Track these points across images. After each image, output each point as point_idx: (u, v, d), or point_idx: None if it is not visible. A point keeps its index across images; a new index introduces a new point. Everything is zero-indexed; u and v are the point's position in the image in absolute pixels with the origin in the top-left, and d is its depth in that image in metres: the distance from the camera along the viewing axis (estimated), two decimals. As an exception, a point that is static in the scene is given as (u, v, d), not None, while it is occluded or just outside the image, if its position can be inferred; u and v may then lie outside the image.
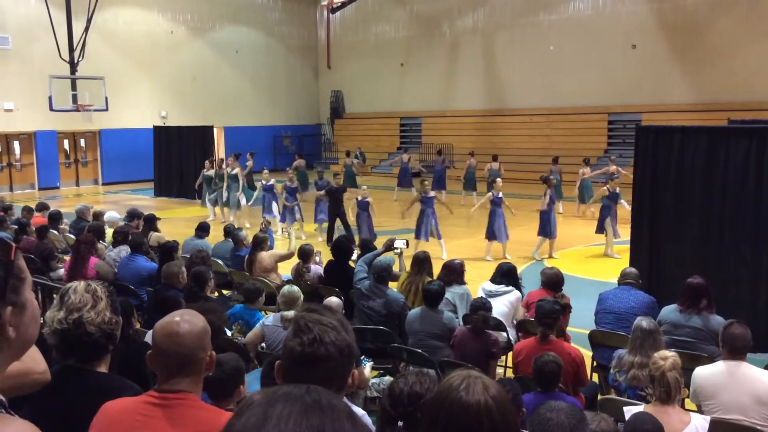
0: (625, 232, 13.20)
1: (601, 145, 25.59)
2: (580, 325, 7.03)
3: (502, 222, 12.48)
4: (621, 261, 10.48)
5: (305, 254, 7.99)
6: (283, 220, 15.01)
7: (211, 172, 17.45)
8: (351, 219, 13.46)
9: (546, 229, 12.52)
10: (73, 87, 22.50)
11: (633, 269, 6.69)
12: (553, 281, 6.58)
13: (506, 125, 27.87)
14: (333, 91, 33.85)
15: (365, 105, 32.72)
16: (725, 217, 7.80)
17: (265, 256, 8.35)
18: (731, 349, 4.44)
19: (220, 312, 4.43)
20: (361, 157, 28.69)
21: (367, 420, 2.53)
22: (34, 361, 2.10)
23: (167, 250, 7.67)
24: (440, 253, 11.86)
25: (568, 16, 26.53)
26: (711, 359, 5.10)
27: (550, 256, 12.55)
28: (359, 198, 13.18)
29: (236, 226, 10.81)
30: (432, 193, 12.93)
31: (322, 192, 14.14)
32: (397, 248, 7.78)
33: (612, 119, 25.73)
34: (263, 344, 5.60)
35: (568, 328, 6.45)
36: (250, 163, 19.27)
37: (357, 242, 9.66)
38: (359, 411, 2.60)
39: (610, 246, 12.69)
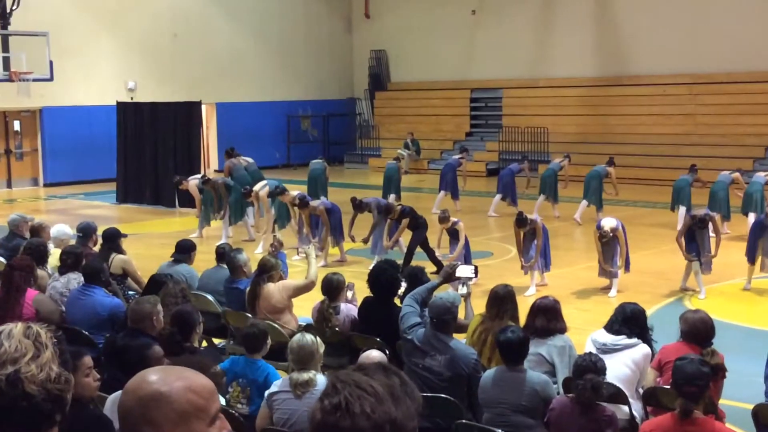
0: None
1: (770, 129, 25.24)
2: (741, 396, 6.97)
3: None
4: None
5: (332, 288, 7.99)
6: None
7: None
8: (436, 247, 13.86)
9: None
10: (5, 47, 23.04)
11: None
12: (699, 331, 6.52)
13: (628, 99, 27.71)
14: (373, 51, 34.08)
15: (420, 71, 32.80)
16: None
17: (274, 289, 8.39)
18: None
19: (214, 371, 4.49)
20: (414, 147, 28.74)
21: None
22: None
23: (155, 285, 7.77)
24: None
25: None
26: None
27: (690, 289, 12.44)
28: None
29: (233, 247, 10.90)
30: None
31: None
32: (462, 279, 7.65)
33: (786, 90, 25.37)
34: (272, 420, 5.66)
35: (721, 401, 6.38)
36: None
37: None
38: None
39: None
